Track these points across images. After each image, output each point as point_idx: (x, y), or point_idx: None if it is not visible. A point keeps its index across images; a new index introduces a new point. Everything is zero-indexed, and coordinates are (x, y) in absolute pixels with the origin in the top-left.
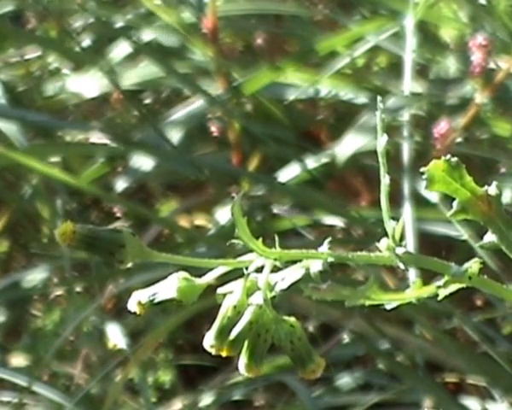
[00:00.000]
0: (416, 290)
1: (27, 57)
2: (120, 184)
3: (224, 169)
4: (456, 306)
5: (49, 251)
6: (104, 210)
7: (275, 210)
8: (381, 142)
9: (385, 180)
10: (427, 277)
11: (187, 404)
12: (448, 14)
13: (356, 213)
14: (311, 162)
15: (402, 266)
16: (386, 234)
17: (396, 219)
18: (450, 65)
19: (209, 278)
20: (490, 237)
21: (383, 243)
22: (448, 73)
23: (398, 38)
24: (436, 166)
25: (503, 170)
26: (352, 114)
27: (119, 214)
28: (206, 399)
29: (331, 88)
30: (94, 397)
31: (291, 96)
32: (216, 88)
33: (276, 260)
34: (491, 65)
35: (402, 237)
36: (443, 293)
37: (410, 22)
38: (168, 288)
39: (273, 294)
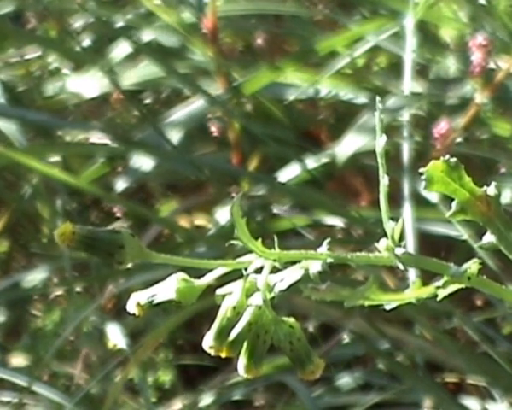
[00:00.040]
0: (415, 291)
1: (27, 57)
2: (120, 184)
3: (224, 169)
4: (456, 306)
5: (49, 251)
6: (104, 210)
7: (275, 210)
8: (380, 142)
9: (384, 181)
10: (427, 277)
11: (187, 404)
12: (448, 14)
13: (356, 213)
14: (311, 162)
15: (401, 267)
16: (386, 234)
17: (396, 219)
18: (450, 65)
19: (208, 279)
20: (489, 238)
21: (382, 244)
22: (448, 73)
23: (398, 38)
24: (435, 167)
25: (503, 170)
26: (352, 114)
27: (119, 214)
28: (206, 399)
29: (331, 88)
30: (94, 397)
31: (291, 96)
32: (216, 88)
33: (275, 260)
34: (491, 65)
35: (401, 238)
36: (442, 293)
37: (410, 22)
38: (167, 289)
39: (272, 295)
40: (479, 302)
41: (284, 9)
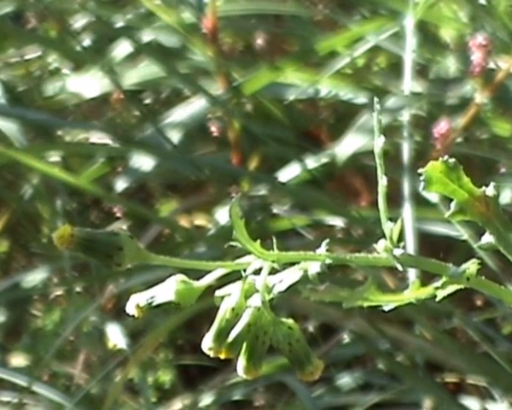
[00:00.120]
0: (413, 292)
1: (27, 57)
2: (120, 184)
3: (224, 169)
4: (456, 306)
5: (49, 251)
6: (104, 210)
7: (275, 210)
8: (378, 143)
9: (382, 181)
10: (427, 277)
11: (187, 404)
12: (448, 14)
13: (356, 213)
14: (311, 162)
15: (400, 268)
16: (385, 235)
17: (396, 219)
18: (450, 65)
19: (207, 280)
20: (488, 238)
21: (381, 245)
22: (448, 73)
23: (398, 38)
24: (433, 168)
25: (503, 170)
26: (352, 114)
27: (119, 214)
28: (206, 399)
29: (331, 88)
30: (94, 397)
31: (291, 96)
32: (216, 88)
33: (274, 261)
34: (491, 65)
35: (401, 238)
36: (441, 294)
37: (410, 22)
38: (166, 290)
39: (271, 296)
40: (479, 302)
41: (284, 9)
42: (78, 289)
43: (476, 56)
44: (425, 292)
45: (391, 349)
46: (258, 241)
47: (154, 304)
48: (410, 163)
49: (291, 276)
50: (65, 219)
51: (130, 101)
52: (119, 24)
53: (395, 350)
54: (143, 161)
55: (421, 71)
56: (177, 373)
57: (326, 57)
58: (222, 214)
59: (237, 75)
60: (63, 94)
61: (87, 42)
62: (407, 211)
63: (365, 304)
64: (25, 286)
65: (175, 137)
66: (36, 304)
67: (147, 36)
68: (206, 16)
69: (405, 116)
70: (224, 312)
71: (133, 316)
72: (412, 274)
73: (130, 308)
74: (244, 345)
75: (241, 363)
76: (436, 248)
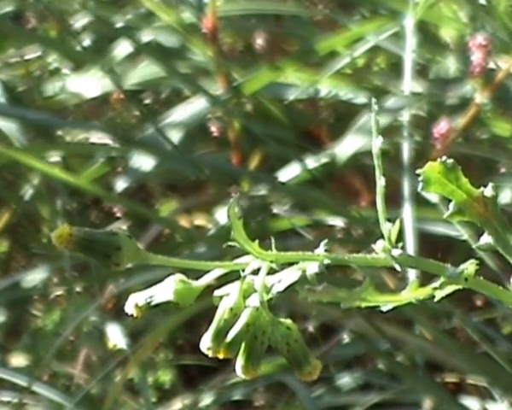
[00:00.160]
0: (412, 292)
1: (27, 57)
2: (120, 184)
3: (224, 169)
4: (456, 306)
5: (49, 251)
6: (104, 210)
7: (275, 210)
8: (376, 143)
9: (380, 182)
10: (427, 277)
11: (187, 404)
12: (448, 14)
13: (356, 213)
14: (311, 162)
15: (398, 268)
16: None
17: (395, 219)
18: (450, 65)
19: (206, 280)
20: (486, 239)
21: (379, 245)
22: (448, 73)
23: (398, 38)
24: (432, 168)
25: (503, 170)
26: (352, 114)
27: (119, 214)
28: (206, 399)
29: (331, 88)
30: (94, 397)
31: (291, 96)
32: (216, 88)
33: (272, 262)
34: (491, 65)
35: (400, 238)
36: (439, 294)
37: (410, 22)
38: (165, 290)
39: (270, 296)
40: (479, 302)
41: (284, 9)
42: (78, 289)
43: (476, 56)
44: (423, 293)
45: (391, 349)
46: (257, 241)
47: (153, 304)
48: (410, 163)
49: (289, 276)
50: (65, 219)
51: (130, 101)
52: (119, 24)
53: (395, 350)
54: (143, 161)
55: (421, 71)
56: (177, 373)
57: (326, 57)
58: (222, 214)
59: (237, 75)
60: (63, 94)
61: (87, 42)
62: (407, 211)
63: (363, 305)
64: (25, 286)
65: (175, 137)
66: (36, 304)
67: (147, 36)
68: (206, 16)
69: (405, 116)
70: (222, 312)
71: (133, 316)
72: (412, 274)
73: (130, 308)
74: (242, 345)
75: (240, 363)
76: (436, 248)
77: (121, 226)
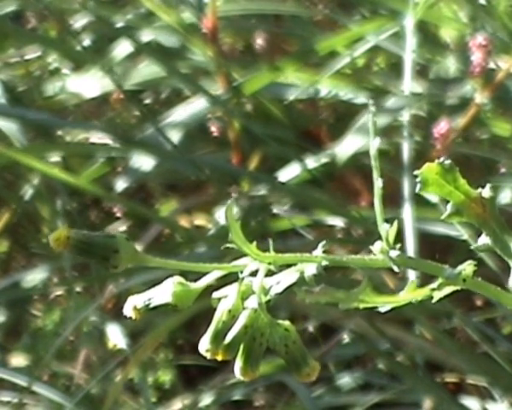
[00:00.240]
0: (410, 293)
1: (27, 57)
2: (120, 184)
3: (224, 169)
4: (456, 306)
5: (49, 251)
6: (104, 210)
7: (275, 210)
8: (374, 145)
9: (378, 183)
10: (428, 277)
11: (187, 404)
12: (448, 14)
13: (356, 213)
14: (311, 162)
15: (396, 269)
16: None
17: (395, 219)
18: (450, 65)
19: (204, 282)
20: (484, 240)
21: (377, 247)
22: (448, 73)
23: (398, 38)
24: (429, 169)
25: (503, 170)
26: (352, 114)
27: (119, 214)
28: (206, 399)
29: (331, 88)
30: (94, 397)
31: (291, 96)
32: (216, 88)
33: (270, 263)
34: (491, 65)
35: (399, 238)
36: (437, 295)
37: (410, 22)
38: (163, 292)
39: (268, 298)
40: (479, 302)
41: (284, 9)
42: (78, 289)
43: (476, 56)
44: (421, 293)
45: (391, 349)
46: (255, 242)
47: (152, 306)
48: (410, 163)
49: (288, 278)
50: (65, 219)
51: (130, 101)
52: (119, 24)
53: (395, 350)
54: (143, 161)
55: (421, 71)
56: (177, 373)
57: (326, 57)
58: (222, 214)
59: (237, 75)
60: (63, 94)
61: (87, 42)
62: (407, 211)
63: (361, 306)
64: (25, 286)
65: (175, 137)
66: (36, 304)
67: (147, 36)
68: (206, 16)
69: (405, 116)
70: (220, 314)
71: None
72: (412, 274)
73: (128, 310)
74: (241, 347)
75: (239, 365)
76: (436, 248)
77: (121, 226)
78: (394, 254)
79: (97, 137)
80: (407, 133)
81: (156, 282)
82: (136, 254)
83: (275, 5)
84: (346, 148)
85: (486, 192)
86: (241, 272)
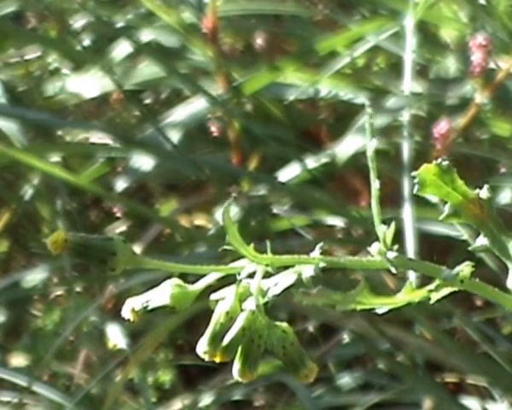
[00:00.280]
0: (407, 294)
1: (27, 57)
2: (120, 184)
3: (224, 169)
4: (456, 306)
5: (49, 251)
6: (104, 210)
7: (275, 210)
8: (371, 146)
9: (375, 185)
10: (428, 277)
11: (187, 404)
12: (448, 14)
13: (356, 213)
14: (311, 162)
15: (394, 271)
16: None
17: (395, 219)
18: (450, 65)
19: (202, 284)
20: (482, 241)
21: (374, 248)
22: (448, 73)
23: (398, 38)
24: (427, 170)
25: (503, 170)
26: (352, 114)
27: (119, 214)
28: (206, 399)
29: (331, 88)
30: (94, 397)
31: (291, 96)
32: (216, 88)
33: (267, 265)
34: (491, 65)
35: (399, 239)
36: (435, 297)
37: (410, 22)
38: (161, 294)
39: (266, 299)
40: (479, 302)
41: (284, 9)
42: (78, 289)
43: (476, 56)
44: (419, 295)
45: (391, 349)
46: (253, 244)
47: (150, 308)
48: (410, 163)
49: (286, 279)
50: (65, 219)
51: (130, 101)
52: (119, 24)
53: (395, 350)
54: (143, 161)
55: (421, 71)
56: (177, 373)
57: (326, 57)
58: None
59: (237, 75)
60: (63, 94)
61: (87, 42)
62: (407, 211)
63: (358, 308)
64: (25, 286)
65: (175, 137)
66: (36, 304)
67: (147, 36)
68: (206, 16)
69: (405, 116)
70: (218, 316)
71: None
72: (412, 275)
73: (126, 313)
74: (239, 349)
75: (237, 366)
76: (436, 248)
77: (121, 226)
78: (392, 255)
79: (97, 137)
80: (407, 133)
81: (156, 282)
82: (133, 257)
83: (275, 5)
84: (345, 148)
85: (484, 193)
86: (239, 274)
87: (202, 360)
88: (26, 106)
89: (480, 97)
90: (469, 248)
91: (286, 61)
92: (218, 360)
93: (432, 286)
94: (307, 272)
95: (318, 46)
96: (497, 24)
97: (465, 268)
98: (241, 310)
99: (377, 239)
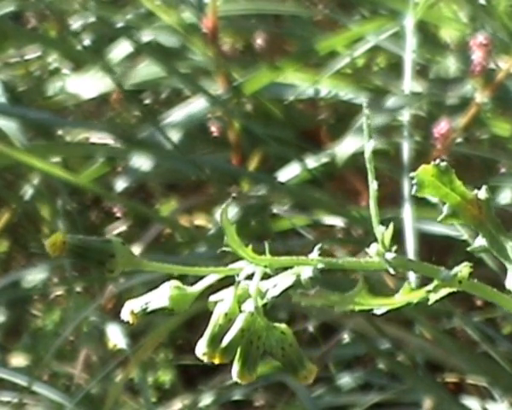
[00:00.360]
0: (405, 295)
1: (27, 57)
2: (120, 184)
3: (224, 169)
4: (456, 306)
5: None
6: (104, 210)
7: (275, 210)
8: (368, 147)
9: (373, 185)
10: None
11: (187, 404)
12: (448, 14)
13: (356, 213)
14: (311, 162)
15: (392, 271)
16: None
17: (394, 219)
18: (451, 65)
19: (201, 285)
20: (481, 241)
21: (373, 249)
22: (448, 72)
23: (398, 38)
24: (425, 171)
25: (503, 170)
26: (352, 114)
27: (119, 214)
28: (206, 399)
29: (331, 88)
30: (94, 397)
31: (291, 96)
32: (216, 88)
33: (266, 266)
34: (491, 65)
35: (398, 239)
36: (433, 298)
37: (410, 22)
38: (160, 296)
39: (265, 301)
40: (479, 302)
41: (284, 9)
42: (78, 289)
43: (477, 55)
44: (417, 295)
45: (391, 349)
46: (252, 245)
47: (149, 310)
48: (410, 163)
49: (284, 281)
50: (65, 219)
51: (130, 101)
52: (119, 24)
53: (395, 350)
54: (143, 161)
55: (421, 71)
56: (177, 373)
57: (326, 57)
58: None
59: (237, 75)
60: (63, 94)
61: (87, 42)
62: (407, 211)
63: (357, 308)
64: (25, 286)
65: (175, 137)
66: (36, 304)
67: (147, 36)
68: (206, 16)
69: (405, 116)
70: (217, 317)
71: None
72: (411, 275)
73: (125, 315)
74: (238, 350)
75: (236, 368)
76: (436, 248)
77: (121, 226)
78: (390, 256)
79: (97, 137)
80: (407, 133)
81: (156, 282)
82: (132, 258)
83: (275, 5)
84: (345, 148)
85: (482, 194)
86: (238, 276)
87: (202, 360)
88: (26, 106)
89: (481, 97)
90: (468, 249)
91: (286, 61)
92: (217, 361)
93: (430, 287)
94: (306, 273)
95: (318, 46)
96: (497, 24)
97: (463, 269)
98: (240, 311)
99: (376, 240)
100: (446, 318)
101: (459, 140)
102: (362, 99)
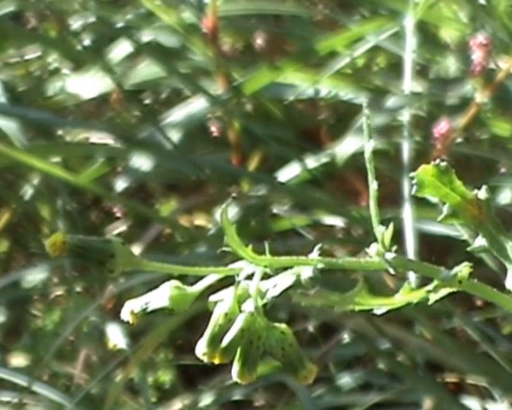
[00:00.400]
0: (405, 295)
1: (27, 57)
2: (120, 184)
3: (224, 169)
4: (456, 306)
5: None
6: (104, 210)
7: (275, 210)
8: (368, 147)
9: (373, 186)
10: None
11: (187, 404)
12: (448, 14)
13: (356, 213)
14: (311, 162)
15: (392, 272)
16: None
17: (394, 219)
18: (451, 65)
19: (201, 285)
20: (481, 241)
21: (373, 249)
22: (448, 72)
23: (398, 38)
24: (425, 171)
25: (503, 170)
26: (352, 114)
27: (119, 214)
28: (206, 399)
29: (331, 88)
30: (94, 397)
31: (291, 96)
32: (216, 88)
33: (266, 267)
34: (491, 65)
35: (398, 239)
36: (433, 298)
37: (410, 22)
38: (160, 297)
39: (265, 301)
40: (479, 302)
41: (284, 9)
42: (78, 289)
43: (477, 55)
44: (417, 296)
45: (391, 349)
46: (252, 245)
47: (149, 310)
48: (410, 163)
49: (284, 281)
50: (65, 219)
51: (130, 101)
52: (119, 24)
53: (395, 350)
54: (143, 161)
55: (421, 71)
56: (177, 373)
57: (326, 57)
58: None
59: (237, 75)
60: (63, 94)
61: (87, 42)
62: (407, 211)
63: (356, 308)
64: (25, 286)
65: (175, 137)
66: (36, 304)
67: (147, 36)
68: (206, 16)
69: (405, 116)
70: (217, 317)
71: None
72: (411, 275)
73: (125, 315)
74: (238, 350)
75: (236, 368)
76: (436, 248)
77: (121, 226)
78: (390, 256)
79: (97, 137)
80: (407, 133)
81: (156, 282)
82: (132, 259)
83: (275, 5)
84: (345, 148)
85: (482, 194)
86: (238, 276)
87: (202, 360)
88: (26, 106)
89: (481, 97)
90: (468, 249)
91: (286, 61)
92: (217, 361)
93: (430, 287)
94: (306, 273)
95: (318, 46)
96: (497, 24)
97: (463, 269)
98: (240, 311)
99: (376, 240)
100: (446, 318)
101: (459, 140)
102: (362, 99)
